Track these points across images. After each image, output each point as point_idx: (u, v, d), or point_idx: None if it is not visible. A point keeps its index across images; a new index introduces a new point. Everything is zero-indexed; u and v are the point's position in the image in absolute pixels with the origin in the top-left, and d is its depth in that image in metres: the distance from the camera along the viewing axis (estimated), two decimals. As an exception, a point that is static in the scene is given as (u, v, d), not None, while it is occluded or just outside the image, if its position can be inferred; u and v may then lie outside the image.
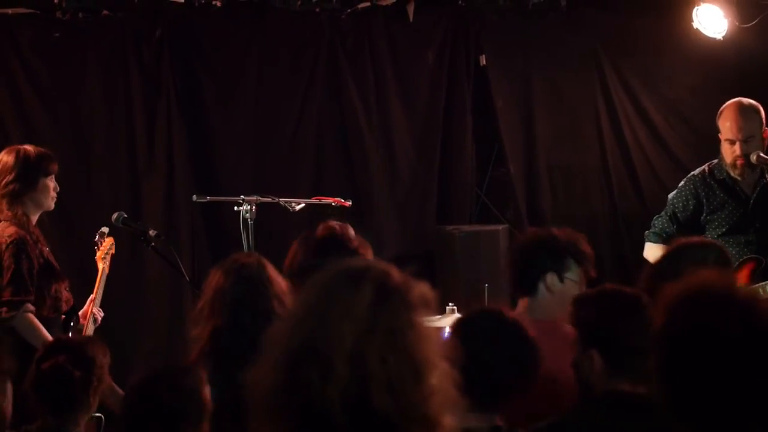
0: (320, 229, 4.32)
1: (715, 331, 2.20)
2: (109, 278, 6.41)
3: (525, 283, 4.14)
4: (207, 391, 3.16)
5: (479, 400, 2.89)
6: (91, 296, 5.53)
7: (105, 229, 5.76)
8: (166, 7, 7.33)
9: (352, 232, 4.43)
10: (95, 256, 5.68)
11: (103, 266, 5.62)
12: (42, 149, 5.47)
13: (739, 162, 5.71)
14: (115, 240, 5.82)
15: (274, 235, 6.92)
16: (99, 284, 5.56)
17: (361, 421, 1.97)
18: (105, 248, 5.68)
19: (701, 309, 2.24)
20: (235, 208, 5.81)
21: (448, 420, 2.05)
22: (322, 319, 2.03)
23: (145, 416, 3.07)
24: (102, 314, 5.56)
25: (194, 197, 6.20)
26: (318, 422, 1.99)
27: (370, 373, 1.98)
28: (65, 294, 5.40)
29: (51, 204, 5.42)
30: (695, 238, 4.01)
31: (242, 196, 5.81)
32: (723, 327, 2.20)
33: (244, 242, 5.71)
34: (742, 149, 5.69)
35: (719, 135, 5.81)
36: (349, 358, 1.98)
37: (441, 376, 2.06)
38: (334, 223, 4.39)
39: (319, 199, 6.35)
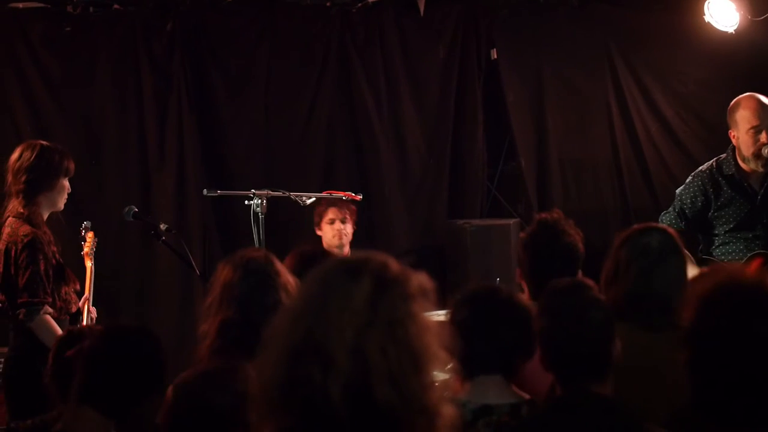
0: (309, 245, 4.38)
1: (745, 326, 2.21)
2: (121, 272, 6.43)
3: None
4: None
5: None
6: (85, 295, 5.44)
7: (87, 223, 5.72)
8: (176, 1, 7.34)
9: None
10: (82, 252, 5.64)
11: (90, 264, 5.54)
12: (62, 147, 5.37)
13: (766, 151, 5.63)
14: (126, 234, 5.78)
15: (285, 229, 6.93)
16: (89, 282, 5.46)
17: (363, 414, 1.96)
18: (90, 244, 5.62)
19: (731, 304, 2.25)
20: (246, 202, 5.80)
21: (448, 410, 2.05)
22: (321, 313, 2.01)
23: (193, 418, 2.94)
24: (95, 313, 5.46)
25: (205, 191, 6.19)
26: (319, 417, 1.97)
27: (372, 365, 1.96)
28: (74, 297, 5.29)
29: (62, 205, 5.34)
30: (638, 225, 3.93)
31: (253, 190, 5.80)
32: (753, 322, 2.20)
33: (255, 236, 5.71)
34: None
35: (731, 131, 5.75)
36: (349, 351, 1.97)
37: (440, 367, 2.06)
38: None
39: (330, 193, 6.35)
